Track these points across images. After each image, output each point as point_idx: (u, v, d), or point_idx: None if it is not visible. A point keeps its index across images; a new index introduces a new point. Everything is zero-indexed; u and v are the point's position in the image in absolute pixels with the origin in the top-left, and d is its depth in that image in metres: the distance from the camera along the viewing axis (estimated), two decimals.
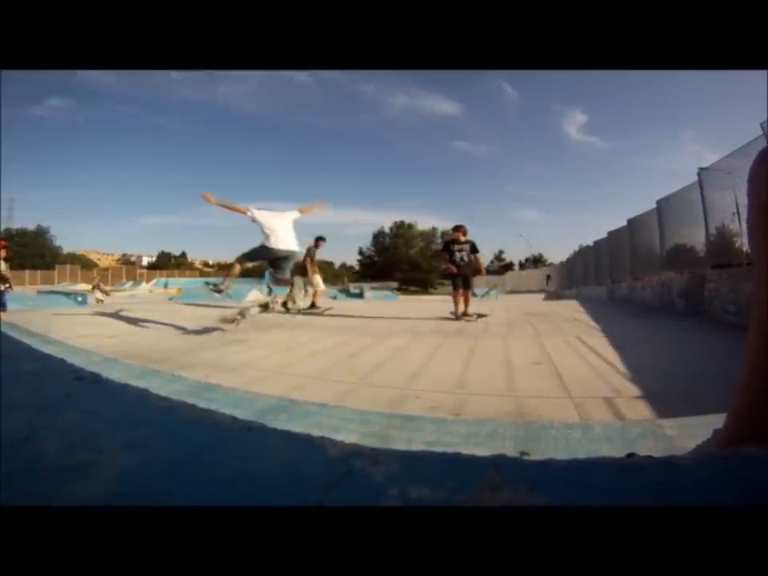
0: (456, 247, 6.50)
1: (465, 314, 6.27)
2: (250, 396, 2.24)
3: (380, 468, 0.36)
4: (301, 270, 7.74)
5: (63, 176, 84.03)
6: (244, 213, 5.06)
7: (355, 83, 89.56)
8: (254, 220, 5.03)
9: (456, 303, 6.35)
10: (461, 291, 6.35)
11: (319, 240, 8.25)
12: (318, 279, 8.07)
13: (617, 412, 2.05)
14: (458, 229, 6.63)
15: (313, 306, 7.73)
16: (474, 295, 6.70)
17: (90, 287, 14.64)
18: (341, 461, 0.38)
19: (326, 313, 7.27)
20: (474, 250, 6.55)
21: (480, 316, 6.12)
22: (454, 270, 6.32)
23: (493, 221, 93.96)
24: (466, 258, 6.42)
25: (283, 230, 5.05)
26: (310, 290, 7.94)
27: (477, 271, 6.73)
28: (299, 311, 7.26)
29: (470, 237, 6.64)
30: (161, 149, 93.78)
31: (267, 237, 4.98)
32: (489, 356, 3.49)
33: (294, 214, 5.27)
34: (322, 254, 8.05)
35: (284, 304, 7.41)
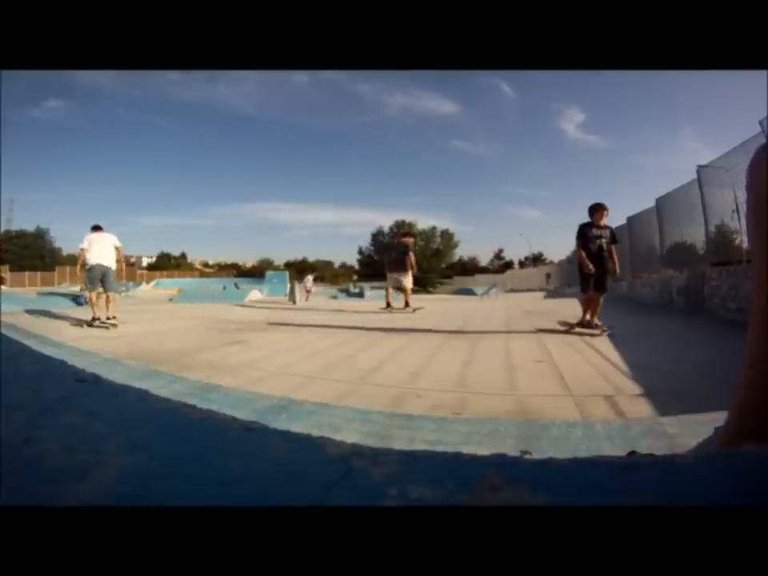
0: (594, 232, 4.66)
1: (590, 323, 4.60)
2: (251, 396, 2.24)
3: (380, 468, 0.36)
4: (403, 264, 7.49)
5: (63, 177, 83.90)
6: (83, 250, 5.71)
7: (355, 83, 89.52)
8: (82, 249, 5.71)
9: (585, 309, 4.69)
10: (591, 294, 4.61)
11: (410, 236, 8.05)
12: (409, 278, 7.64)
13: (617, 410, 2.06)
14: (598, 209, 4.69)
15: (406, 305, 7.52)
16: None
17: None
18: (341, 461, 0.38)
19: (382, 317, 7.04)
20: (613, 239, 4.76)
21: (605, 330, 4.44)
22: (591, 267, 4.53)
23: (493, 219, 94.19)
24: (605, 249, 4.65)
25: (97, 248, 5.63)
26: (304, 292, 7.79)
27: (611, 270, 4.82)
28: (391, 311, 7.21)
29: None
30: (161, 149, 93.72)
31: (83, 254, 5.64)
32: (490, 355, 3.49)
33: (115, 240, 5.83)
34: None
35: (388, 305, 7.44)
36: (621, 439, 1.63)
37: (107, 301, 5.44)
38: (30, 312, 6.44)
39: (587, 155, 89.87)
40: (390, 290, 7.70)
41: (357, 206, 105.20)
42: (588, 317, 4.65)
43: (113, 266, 5.67)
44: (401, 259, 7.53)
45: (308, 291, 15.12)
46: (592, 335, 4.35)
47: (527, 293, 20.28)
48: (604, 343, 3.92)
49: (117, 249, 5.77)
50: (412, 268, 7.51)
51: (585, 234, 4.70)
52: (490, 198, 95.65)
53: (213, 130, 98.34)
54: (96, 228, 5.83)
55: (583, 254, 4.64)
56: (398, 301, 7.80)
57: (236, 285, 20.76)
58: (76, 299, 8.55)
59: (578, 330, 4.59)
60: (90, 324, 5.21)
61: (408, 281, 7.51)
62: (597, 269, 4.57)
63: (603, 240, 4.66)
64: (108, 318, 5.25)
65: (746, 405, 0.41)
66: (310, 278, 16.78)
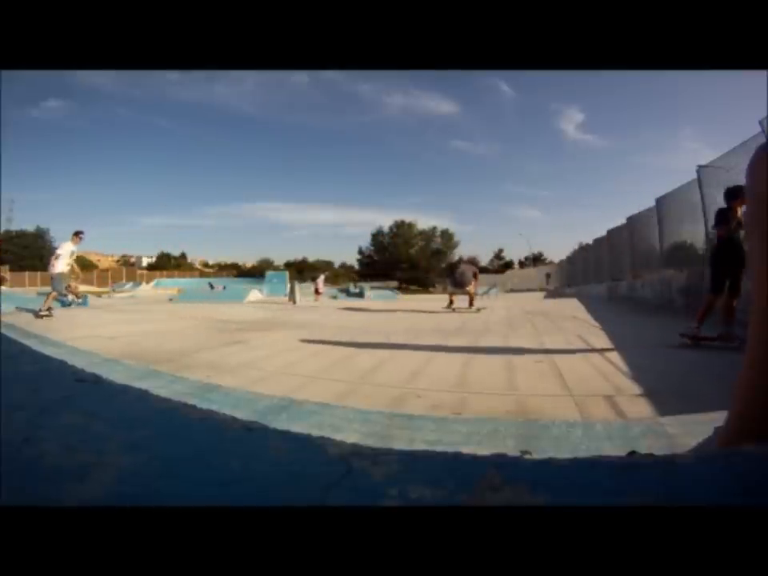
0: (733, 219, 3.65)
1: (726, 335, 3.58)
2: (251, 396, 2.25)
3: (380, 468, 0.36)
4: (471, 277, 8.81)
5: (63, 177, 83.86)
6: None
7: (355, 82, 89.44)
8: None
9: (704, 315, 3.71)
10: (720, 297, 3.68)
11: (475, 260, 9.85)
12: (472, 286, 8.95)
13: (617, 410, 2.06)
14: (737, 195, 3.60)
15: (470, 304, 8.67)
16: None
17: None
18: (341, 461, 0.38)
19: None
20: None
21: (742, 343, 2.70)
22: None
23: (493, 219, 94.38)
24: (740, 242, 3.68)
25: (57, 259, 7.07)
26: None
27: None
28: (453, 310, 8.41)
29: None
30: (161, 149, 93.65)
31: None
32: (490, 355, 3.49)
33: (62, 248, 7.20)
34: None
35: (451, 303, 8.72)
36: (621, 439, 1.63)
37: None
38: (19, 309, 7.43)
39: (587, 155, 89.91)
40: (453, 296, 9.00)
41: (357, 205, 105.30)
42: (725, 326, 3.65)
43: (55, 271, 7.02)
44: (473, 273, 8.98)
45: (319, 293, 14.67)
46: (728, 347, 3.42)
47: (527, 293, 20.29)
48: (604, 344, 3.89)
49: (58, 257, 7.03)
50: (476, 280, 9.05)
51: (729, 222, 3.62)
52: (490, 197, 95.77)
53: (212, 129, 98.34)
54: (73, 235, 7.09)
55: (729, 241, 3.63)
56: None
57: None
58: (62, 302, 8.67)
59: (706, 343, 3.60)
60: (36, 315, 6.50)
61: (472, 288, 8.90)
62: (734, 266, 3.64)
63: (741, 232, 3.66)
64: (41, 310, 6.57)
65: (745, 405, 0.41)
66: (322, 277, 16.30)
